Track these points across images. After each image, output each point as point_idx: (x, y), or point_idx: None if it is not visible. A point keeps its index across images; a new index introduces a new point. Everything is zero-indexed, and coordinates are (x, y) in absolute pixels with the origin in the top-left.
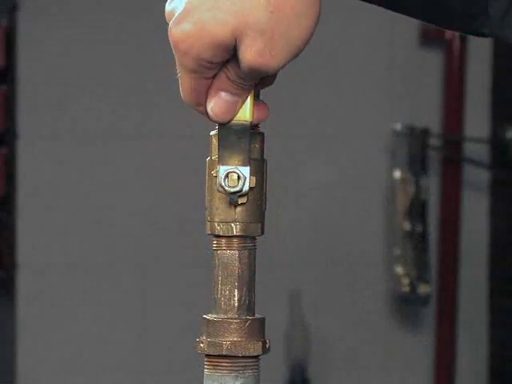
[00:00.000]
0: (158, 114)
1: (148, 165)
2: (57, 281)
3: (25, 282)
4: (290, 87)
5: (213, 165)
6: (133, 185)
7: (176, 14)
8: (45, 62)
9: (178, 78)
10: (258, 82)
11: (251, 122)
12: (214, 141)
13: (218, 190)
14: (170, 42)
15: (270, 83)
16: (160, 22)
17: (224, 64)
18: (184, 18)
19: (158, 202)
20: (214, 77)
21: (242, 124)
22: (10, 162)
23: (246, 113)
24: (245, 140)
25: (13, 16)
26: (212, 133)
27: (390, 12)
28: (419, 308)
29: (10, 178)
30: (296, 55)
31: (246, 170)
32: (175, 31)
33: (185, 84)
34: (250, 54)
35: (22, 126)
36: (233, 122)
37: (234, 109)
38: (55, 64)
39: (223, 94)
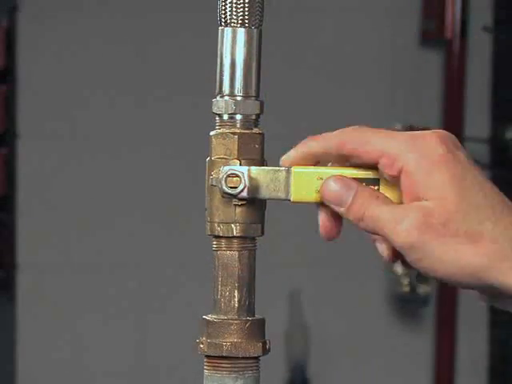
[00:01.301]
0: (158, 114)
1: (148, 165)
2: (57, 281)
3: (25, 281)
4: (289, 88)
5: (213, 165)
6: (133, 185)
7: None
8: (45, 62)
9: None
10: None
11: (289, 200)
12: (214, 141)
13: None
14: None
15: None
16: (160, 22)
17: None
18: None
19: (158, 202)
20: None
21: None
22: (10, 162)
23: (302, 194)
24: (279, 180)
25: (13, 16)
26: (212, 133)
27: (389, 12)
28: (419, 308)
29: (10, 177)
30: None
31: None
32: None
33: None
34: (410, 223)
35: (22, 126)
36: (300, 179)
37: (328, 199)
38: (55, 64)
39: (341, 190)
